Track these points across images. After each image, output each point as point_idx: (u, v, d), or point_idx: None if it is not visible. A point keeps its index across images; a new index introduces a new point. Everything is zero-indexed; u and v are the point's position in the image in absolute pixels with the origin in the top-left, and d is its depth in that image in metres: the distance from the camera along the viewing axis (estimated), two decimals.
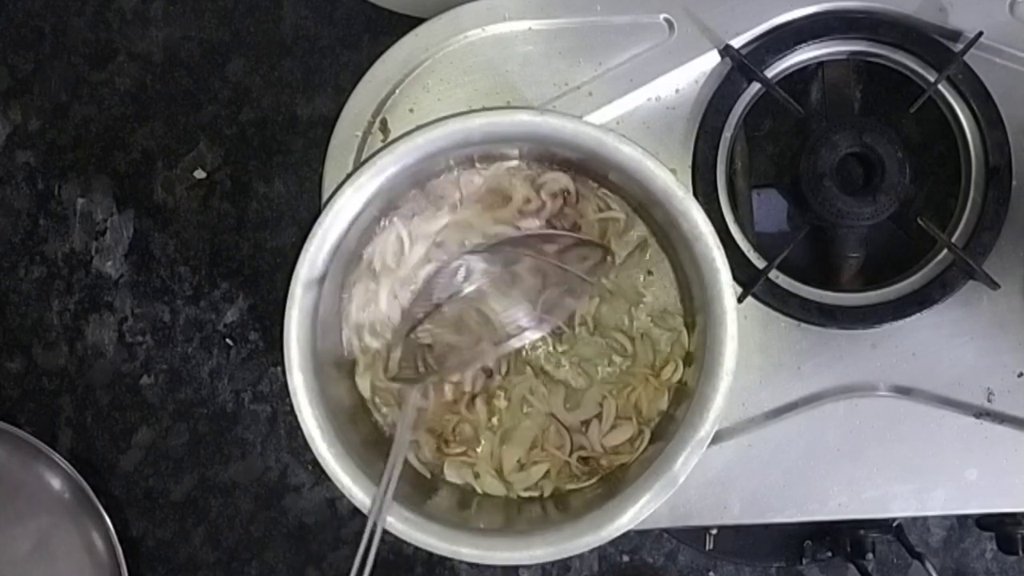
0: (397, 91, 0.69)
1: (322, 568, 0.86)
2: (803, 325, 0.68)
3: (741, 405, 0.67)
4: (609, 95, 0.69)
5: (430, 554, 0.59)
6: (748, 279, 0.68)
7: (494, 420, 0.64)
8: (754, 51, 0.69)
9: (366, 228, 0.63)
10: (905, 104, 0.70)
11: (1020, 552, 0.72)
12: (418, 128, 0.58)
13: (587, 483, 0.64)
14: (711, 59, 0.69)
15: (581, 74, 0.69)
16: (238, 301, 0.87)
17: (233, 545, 0.86)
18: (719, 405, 0.58)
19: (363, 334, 0.64)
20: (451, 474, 0.64)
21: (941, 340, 0.67)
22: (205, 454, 0.86)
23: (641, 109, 0.69)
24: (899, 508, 0.67)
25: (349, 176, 0.58)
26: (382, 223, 0.64)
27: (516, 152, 0.64)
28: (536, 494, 0.64)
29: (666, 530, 0.83)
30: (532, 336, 0.61)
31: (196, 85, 0.87)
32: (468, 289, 0.63)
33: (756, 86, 0.69)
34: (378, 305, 0.64)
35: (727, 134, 0.69)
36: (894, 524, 0.77)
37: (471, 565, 0.85)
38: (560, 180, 0.64)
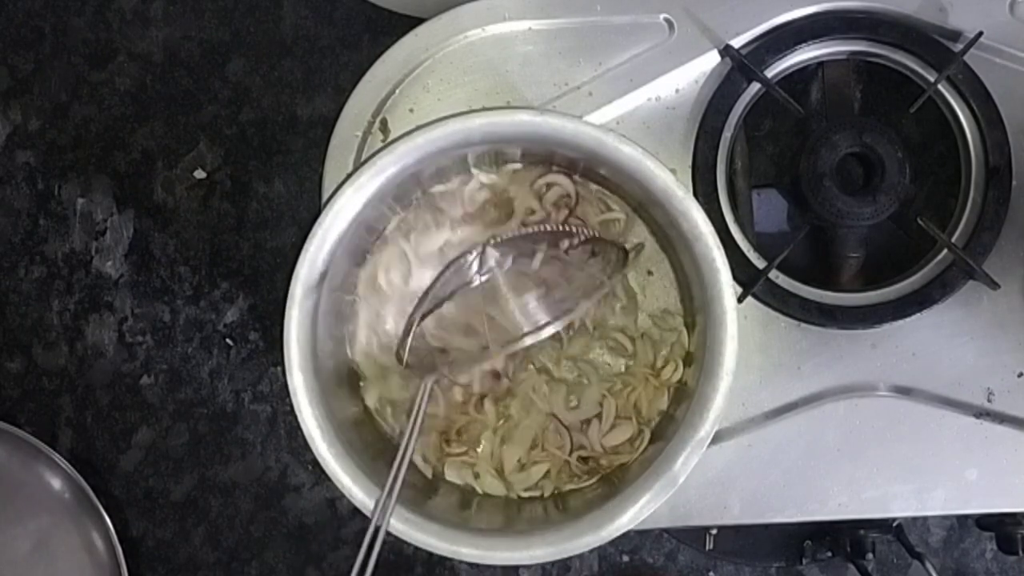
0: (397, 91, 0.69)
1: (322, 568, 0.86)
2: (803, 325, 0.68)
3: (741, 405, 0.67)
4: (609, 95, 0.69)
5: (430, 554, 0.59)
6: (748, 279, 0.68)
7: (502, 421, 0.64)
8: (754, 51, 0.69)
9: (370, 226, 0.63)
10: (905, 104, 0.70)
11: (1020, 552, 0.72)
12: (418, 128, 0.58)
13: (587, 483, 0.64)
14: (711, 59, 0.69)
15: (581, 74, 0.69)
16: (238, 301, 0.87)
17: (233, 545, 0.86)
18: (719, 405, 0.58)
19: (372, 351, 0.64)
20: (451, 474, 0.64)
21: (941, 340, 0.67)
22: (205, 454, 0.86)
23: (641, 109, 0.69)
24: (899, 508, 0.67)
25: (349, 176, 0.58)
26: (385, 229, 0.64)
27: (516, 152, 0.64)
28: (536, 494, 0.64)
29: (666, 530, 0.83)
30: (545, 333, 0.61)
31: (196, 85, 0.87)
32: (480, 281, 0.63)
33: (756, 86, 0.69)
34: (385, 324, 0.64)
35: (727, 134, 0.69)
36: (894, 524, 0.77)
37: (471, 565, 0.85)
38: (561, 186, 0.64)
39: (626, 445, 0.64)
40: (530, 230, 0.62)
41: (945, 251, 0.67)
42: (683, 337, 0.65)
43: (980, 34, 0.68)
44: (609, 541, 0.58)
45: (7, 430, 0.84)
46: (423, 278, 0.63)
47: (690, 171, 0.69)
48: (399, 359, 0.61)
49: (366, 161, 0.58)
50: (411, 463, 0.64)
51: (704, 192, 0.68)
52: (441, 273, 0.63)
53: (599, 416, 0.64)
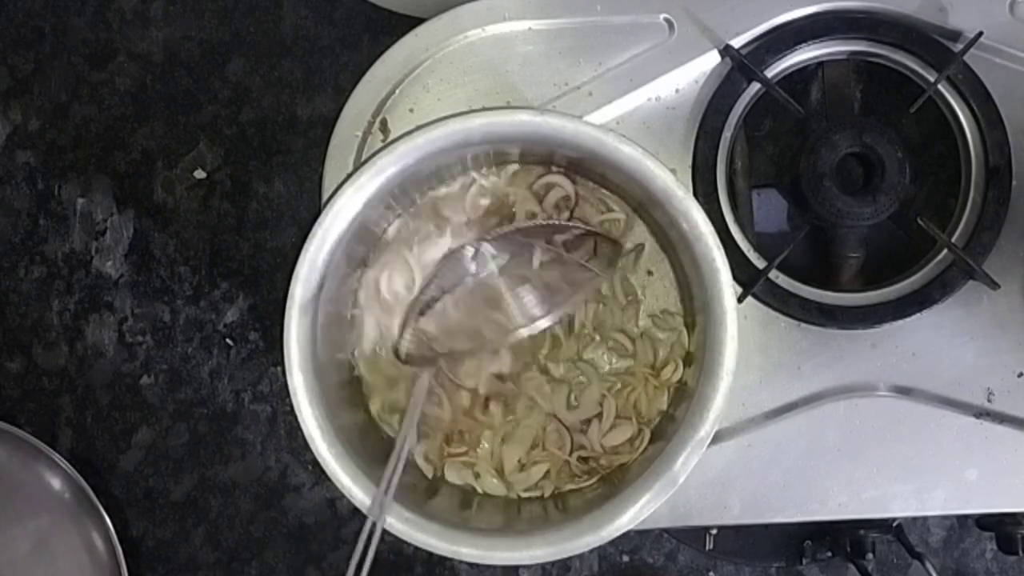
0: (397, 91, 0.69)
1: (322, 568, 0.86)
2: (803, 325, 0.68)
3: (741, 405, 0.67)
4: (609, 95, 0.69)
5: (430, 554, 0.59)
6: (748, 279, 0.68)
7: (508, 420, 0.64)
8: (754, 51, 0.69)
9: (369, 229, 0.63)
10: (905, 104, 0.70)
11: (1020, 552, 0.72)
12: (418, 128, 0.58)
13: (587, 483, 0.64)
14: (711, 59, 0.69)
15: (581, 74, 0.69)
16: (238, 301, 0.87)
17: (233, 545, 0.86)
18: (719, 405, 0.58)
19: (376, 359, 0.64)
20: (452, 475, 0.64)
21: (941, 340, 0.67)
22: (205, 454, 0.86)
23: (641, 109, 0.69)
24: (899, 508, 0.67)
25: (349, 176, 0.58)
26: (385, 234, 0.64)
27: (515, 153, 0.64)
28: (536, 494, 0.64)
29: (666, 530, 0.83)
30: (542, 325, 0.61)
31: (196, 85, 0.87)
32: (478, 274, 0.63)
33: (756, 86, 0.69)
34: (389, 333, 0.64)
35: (727, 134, 0.69)
36: (894, 524, 0.77)
37: (471, 565, 0.85)
38: (561, 187, 0.64)
39: (626, 445, 0.64)
40: (525, 224, 0.63)
41: (945, 251, 0.67)
42: (683, 337, 0.65)
43: (980, 34, 0.68)
44: (609, 541, 0.58)
45: (7, 430, 0.84)
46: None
47: (690, 171, 0.69)
48: (397, 355, 0.61)
49: (366, 161, 0.58)
50: (412, 464, 0.64)
51: (704, 192, 0.68)
52: (438, 268, 0.63)
53: (599, 416, 0.64)
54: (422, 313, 0.62)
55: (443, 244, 0.64)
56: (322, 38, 0.87)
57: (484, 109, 0.59)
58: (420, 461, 0.64)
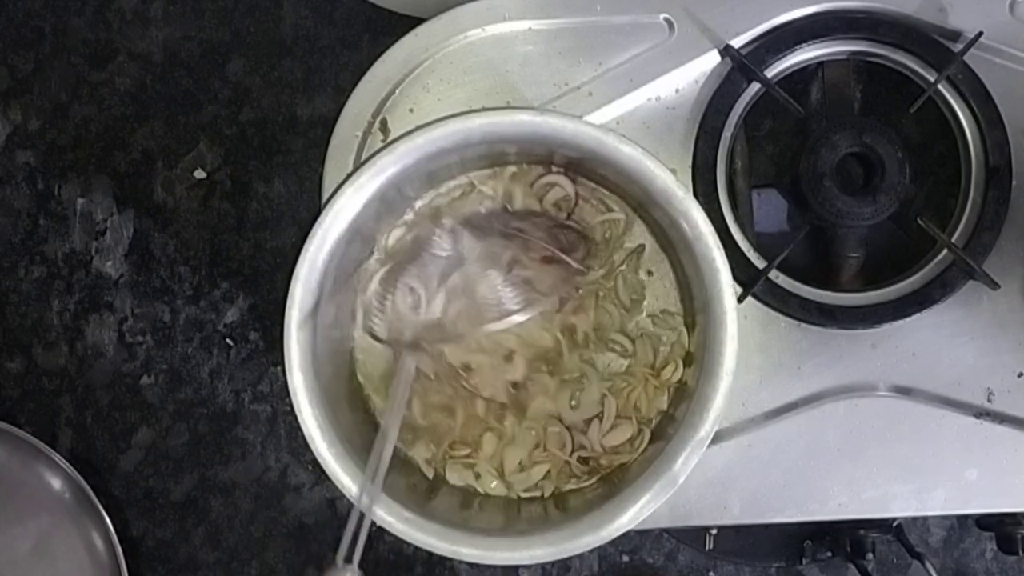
0: (397, 91, 0.69)
1: (322, 568, 0.86)
2: (803, 325, 0.68)
3: (741, 405, 0.67)
4: (609, 95, 0.69)
5: (430, 554, 0.59)
6: (748, 279, 0.68)
7: (524, 425, 0.64)
8: (754, 51, 0.69)
9: (368, 237, 0.63)
10: (905, 104, 0.70)
11: (1020, 552, 0.72)
12: (418, 128, 0.58)
13: (587, 483, 0.64)
14: (711, 59, 0.69)
15: (581, 74, 0.69)
16: (238, 301, 0.87)
17: (233, 545, 0.86)
18: (719, 405, 0.58)
19: (376, 353, 0.64)
20: (453, 476, 0.64)
21: (941, 340, 0.67)
22: (205, 454, 0.86)
23: (641, 109, 0.69)
24: (899, 508, 0.67)
25: (349, 176, 0.58)
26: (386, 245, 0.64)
27: (514, 154, 0.64)
28: (536, 494, 0.64)
29: (666, 530, 0.83)
30: (518, 319, 0.61)
31: (196, 85, 0.87)
32: (451, 263, 0.63)
33: (756, 86, 0.69)
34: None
35: (727, 134, 0.69)
36: (894, 524, 0.77)
37: (471, 565, 0.85)
38: (561, 187, 0.64)
39: (626, 445, 0.64)
40: (493, 208, 0.63)
41: (945, 251, 0.67)
42: (683, 337, 0.65)
43: (980, 34, 0.68)
44: (609, 541, 0.58)
45: (7, 430, 0.84)
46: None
47: (690, 171, 0.69)
48: (371, 334, 0.61)
49: (366, 161, 0.58)
50: (413, 465, 0.64)
51: (704, 192, 0.68)
52: (411, 251, 0.62)
53: (599, 416, 0.64)
54: (390, 292, 0.62)
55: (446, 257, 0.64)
56: (322, 38, 0.87)
57: (484, 109, 0.59)
58: (421, 462, 0.64)
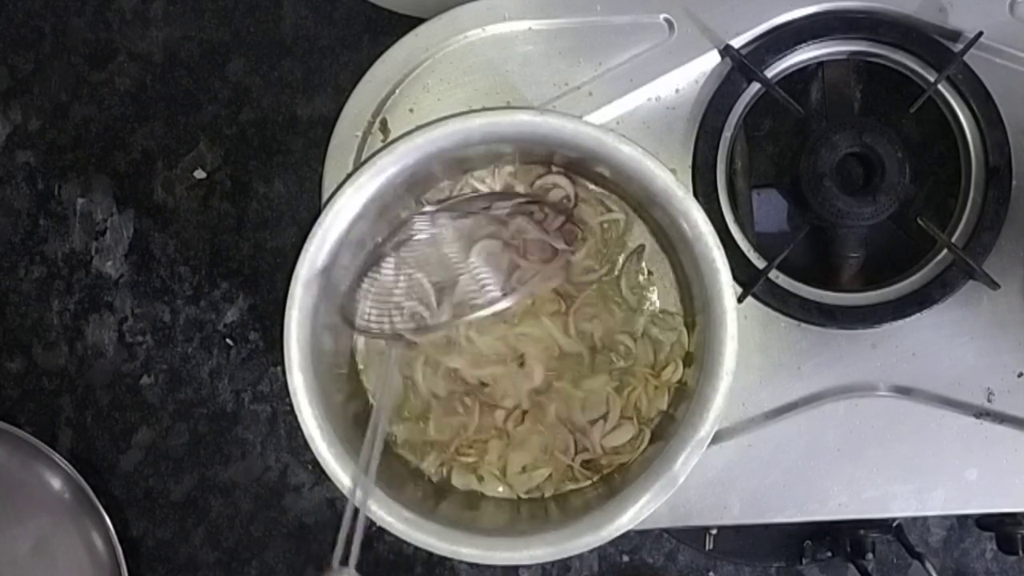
0: (397, 91, 0.69)
1: (322, 568, 0.86)
2: (803, 325, 0.68)
3: (741, 405, 0.67)
4: (609, 95, 0.69)
5: (430, 554, 0.59)
6: (748, 279, 0.68)
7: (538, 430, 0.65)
8: (754, 51, 0.69)
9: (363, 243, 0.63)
10: (905, 104, 0.70)
11: (1020, 552, 0.72)
12: (418, 128, 0.58)
13: (587, 483, 0.64)
14: (711, 59, 0.69)
15: (581, 74, 0.69)
16: (238, 301, 0.87)
17: (233, 545, 0.86)
18: (719, 405, 0.58)
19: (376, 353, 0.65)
20: (457, 479, 0.64)
21: (941, 340, 0.67)
22: (205, 454, 0.86)
23: (641, 109, 0.69)
24: (899, 508, 0.67)
25: (349, 176, 0.58)
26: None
27: (513, 154, 0.64)
28: (537, 495, 0.64)
29: (666, 530, 0.83)
30: (502, 305, 0.60)
31: (196, 85, 0.87)
32: (434, 245, 0.63)
33: (756, 86, 0.69)
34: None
35: (727, 134, 0.69)
36: (894, 524, 0.77)
37: (471, 565, 0.85)
38: (561, 187, 0.64)
39: (627, 445, 0.64)
40: (474, 194, 0.63)
41: (945, 251, 0.67)
42: (683, 337, 0.65)
43: (980, 34, 0.68)
44: (609, 541, 0.58)
45: (7, 430, 0.84)
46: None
47: (690, 171, 0.69)
48: (348, 322, 0.61)
49: (366, 161, 0.58)
50: (418, 471, 0.64)
51: (704, 192, 0.68)
52: (391, 235, 0.62)
53: (604, 417, 0.64)
54: (370, 274, 0.61)
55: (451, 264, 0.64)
56: (322, 38, 0.87)
57: (484, 109, 0.59)
58: (431, 471, 0.64)
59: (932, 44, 0.69)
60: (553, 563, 0.85)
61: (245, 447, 0.86)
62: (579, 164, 0.63)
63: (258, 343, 0.87)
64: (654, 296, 0.65)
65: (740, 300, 0.66)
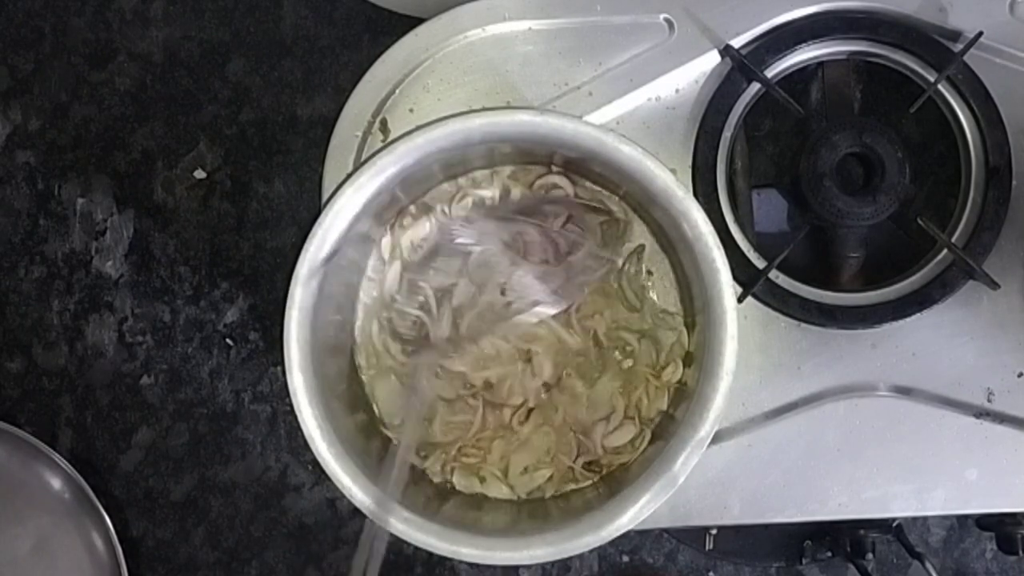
0: (397, 91, 0.69)
1: (322, 568, 0.86)
2: (803, 325, 0.68)
3: (741, 405, 0.67)
4: (609, 95, 0.69)
5: (430, 554, 0.59)
6: (748, 279, 0.68)
7: (542, 429, 0.64)
8: (754, 51, 0.69)
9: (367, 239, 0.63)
10: (905, 104, 0.70)
11: (1020, 552, 0.72)
12: (418, 128, 0.58)
13: (587, 483, 0.64)
14: (711, 59, 0.69)
15: (581, 74, 0.69)
16: (238, 301, 0.87)
17: (233, 545, 0.86)
18: (719, 405, 0.58)
19: (378, 352, 0.65)
20: (459, 481, 0.64)
21: (941, 340, 0.67)
22: (205, 454, 0.86)
23: (641, 109, 0.69)
24: (899, 508, 0.67)
25: (349, 176, 0.58)
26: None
27: (514, 154, 0.64)
28: (539, 496, 0.64)
29: (666, 530, 0.83)
30: (546, 311, 0.61)
31: (196, 85, 0.87)
32: (476, 255, 0.63)
33: (756, 86, 0.69)
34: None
35: (727, 134, 0.69)
36: (894, 524, 0.77)
37: (471, 565, 0.85)
38: (561, 188, 0.64)
39: (627, 445, 0.64)
40: (525, 200, 0.62)
41: (945, 251, 0.67)
42: (683, 337, 0.65)
43: (980, 34, 0.68)
44: (609, 541, 0.58)
45: (7, 430, 0.84)
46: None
47: (690, 171, 0.69)
48: (395, 334, 0.61)
49: (366, 161, 0.58)
50: (422, 471, 0.64)
51: (704, 192, 0.68)
52: (436, 244, 0.62)
53: (607, 417, 0.64)
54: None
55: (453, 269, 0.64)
56: (322, 38, 0.87)
57: (484, 109, 0.59)
58: (434, 473, 0.64)
59: (932, 44, 0.69)
60: (553, 563, 0.85)
61: (245, 447, 0.86)
62: (579, 164, 0.63)
63: (258, 343, 0.87)
64: (655, 296, 0.65)
65: (740, 300, 0.66)
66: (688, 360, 0.64)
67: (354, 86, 0.69)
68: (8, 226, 0.87)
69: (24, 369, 0.87)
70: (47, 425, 0.86)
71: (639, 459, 0.63)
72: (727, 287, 0.58)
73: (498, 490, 0.64)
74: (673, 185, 0.58)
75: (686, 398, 0.61)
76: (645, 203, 0.62)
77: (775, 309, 0.68)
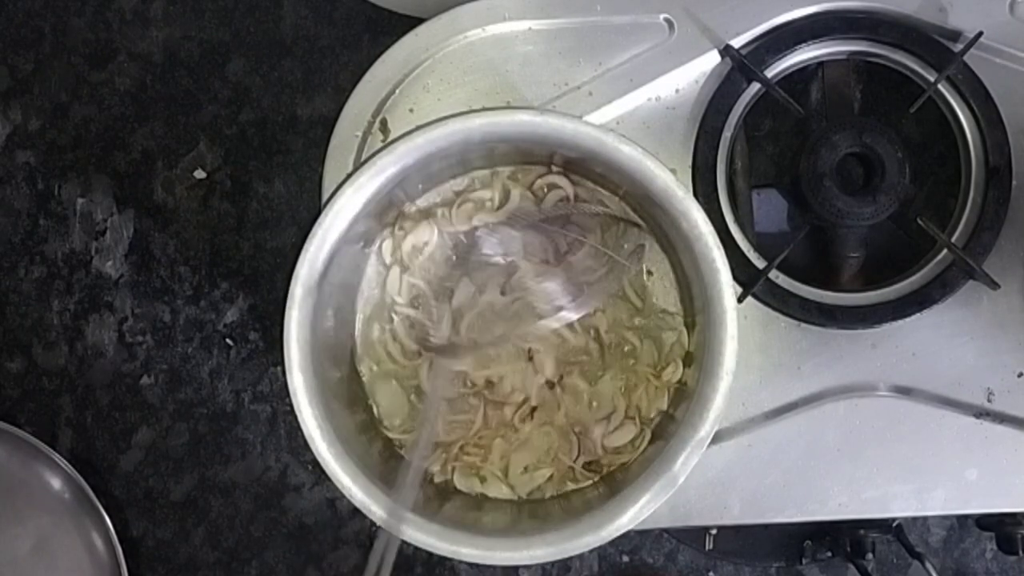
0: (397, 91, 0.69)
1: (322, 568, 0.86)
2: (803, 325, 0.68)
3: (741, 405, 0.67)
4: (609, 95, 0.69)
5: (430, 554, 0.59)
6: (748, 279, 0.68)
7: (543, 428, 0.64)
8: (754, 51, 0.69)
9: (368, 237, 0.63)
10: (905, 104, 0.70)
11: (1020, 552, 0.72)
12: (418, 128, 0.58)
13: (587, 483, 0.64)
14: (711, 59, 0.69)
15: (581, 74, 0.69)
16: (238, 301, 0.87)
17: (233, 545, 0.86)
18: (719, 405, 0.58)
19: (379, 351, 0.65)
20: (460, 480, 0.64)
21: (941, 340, 0.67)
22: (205, 454, 0.86)
23: (641, 109, 0.69)
24: (899, 508, 0.67)
25: (349, 176, 0.58)
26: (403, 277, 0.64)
27: (515, 154, 0.64)
28: (539, 496, 0.64)
29: (666, 530, 0.83)
30: (570, 317, 0.61)
31: (196, 85, 0.87)
32: (501, 261, 0.63)
33: (756, 86, 0.69)
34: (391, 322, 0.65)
35: (727, 134, 0.69)
36: (894, 524, 0.77)
37: (471, 565, 0.85)
38: (561, 188, 0.64)
39: (627, 445, 0.64)
40: (551, 211, 0.63)
41: (945, 251, 0.67)
42: (683, 337, 0.65)
43: (980, 34, 0.68)
44: (609, 541, 0.58)
45: (7, 430, 0.84)
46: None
47: (690, 171, 0.69)
48: (425, 344, 0.61)
49: (366, 161, 0.58)
50: (424, 472, 0.64)
51: (704, 192, 0.68)
52: (460, 252, 0.62)
53: (609, 417, 0.64)
54: (448, 299, 0.62)
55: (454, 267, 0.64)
56: (322, 38, 0.87)
57: (484, 109, 0.59)
58: (435, 473, 0.64)
59: (932, 44, 0.69)
60: (553, 563, 0.85)
61: (245, 447, 0.86)
62: (579, 164, 0.63)
63: (258, 343, 0.87)
64: (655, 296, 0.65)
65: (740, 300, 0.66)
66: (688, 360, 0.64)
67: (354, 86, 0.69)
68: (8, 226, 0.87)
69: (24, 369, 0.87)
70: (47, 425, 0.86)
71: (639, 459, 0.63)
72: (727, 287, 0.58)
73: (498, 490, 0.64)
74: (673, 185, 0.58)
75: (686, 398, 0.61)
76: (645, 203, 0.62)
77: (775, 309, 0.68)
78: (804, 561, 0.82)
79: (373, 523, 0.58)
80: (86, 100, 0.87)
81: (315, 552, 0.86)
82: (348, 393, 0.64)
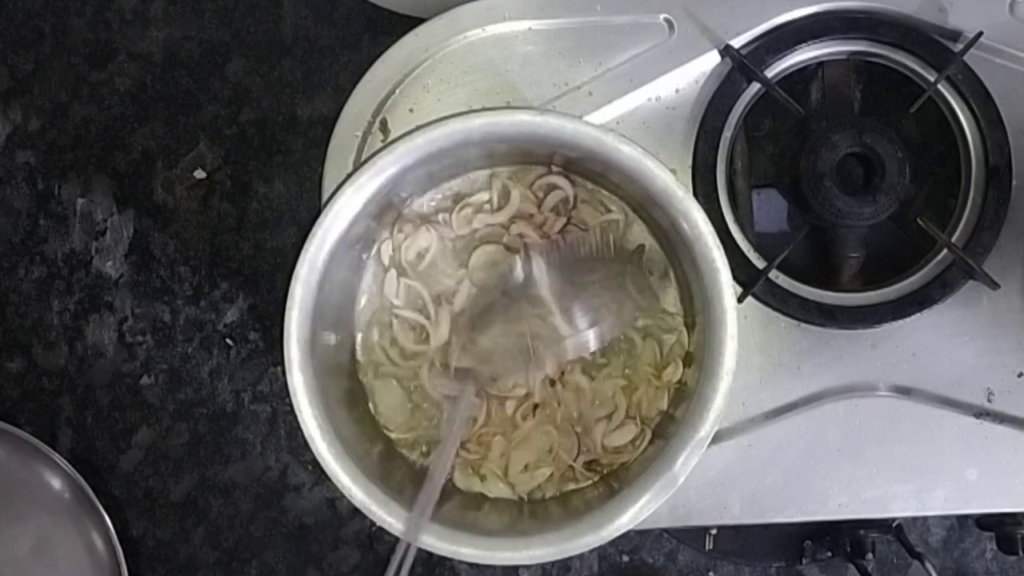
0: (397, 91, 0.69)
1: (322, 568, 0.86)
2: (803, 325, 0.68)
3: (741, 405, 0.67)
4: (609, 95, 0.69)
5: (430, 554, 0.59)
6: (748, 279, 0.68)
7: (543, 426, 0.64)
8: (754, 51, 0.69)
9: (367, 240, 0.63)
10: (905, 104, 0.70)
11: (1020, 552, 0.72)
12: (418, 128, 0.58)
13: (587, 483, 0.64)
14: (711, 59, 0.69)
15: (581, 74, 0.69)
16: (238, 301, 0.87)
17: (233, 545, 0.86)
18: (719, 405, 0.58)
19: (379, 355, 0.65)
20: (460, 479, 0.64)
21: (941, 340, 0.67)
22: (205, 454, 0.86)
23: (641, 109, 0.69)
24: (899, 508, 0.67)
25: (349, 176, 0.58)
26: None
27: (514, 154, 0.64)
28: (539, 496, 0.64)
29: (666, 530, 0.83)
30: (593, 347, 0.61)
31: (196, 85, 0.87)
32: (525, 286, 0.63)
33: (756, 86, 0.69)
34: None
35: (727, 134, 0.69)
36: (894, 524, 0.77)
37: (471, 565, 0.85)
38: (560, 189, 0.64)
39: (627, 445, 0.64)
40: (571, 239, 0.63)
41: (945, 251, 0.67)
42: (683, 337, 0.65)
43: (980, 34, 0.68)
44: (609, 541, 0.58)
45: (7, 430, 0.84)
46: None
47: (690, 171, 0.69)
48: (446, 366, 0.62)
49: (366, 161, 0.58)
50: (424, 471, 0.64)
51: (704, 192, 0.68)
52: (484, 275, 0.63)
53: (609, 416, 0.64)
54: (472, 327, 0.62)
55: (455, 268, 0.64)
56: (322, 38, 0.87)
57: (484, 109, 0.59)
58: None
59: (932, 44, 0.69)
60: (553, 563, 0.85)
61: (245, 447, 0.86)
62: (579, 164, 0.63)
63: (258, 343, 0.87)
64: (655, 296, 0.65)
65: (740, 300, 0.66)
66: (688, 360, 0.64)
67: (354, 86, 0.69)
68: (8, 226, 0.87)
69: (24, 369, 0.87)
70: (47, 425, 0.86)
71: (639, 459, 0.63)
72: (727, 287, 0.58)
73: (498, 489, 0.64)
74: (673, 185, 0.58)
75: (686, 398, 0.61)
76: (645, 203, 0.62)
77: (775, 309, 0.68)
78: (804, 561, 0.82)
79: (373, 523, 0.58)
80: (86, 100, 0.87)
81: (315, 552, 0.86)
82: (348, 393, 0.64)
